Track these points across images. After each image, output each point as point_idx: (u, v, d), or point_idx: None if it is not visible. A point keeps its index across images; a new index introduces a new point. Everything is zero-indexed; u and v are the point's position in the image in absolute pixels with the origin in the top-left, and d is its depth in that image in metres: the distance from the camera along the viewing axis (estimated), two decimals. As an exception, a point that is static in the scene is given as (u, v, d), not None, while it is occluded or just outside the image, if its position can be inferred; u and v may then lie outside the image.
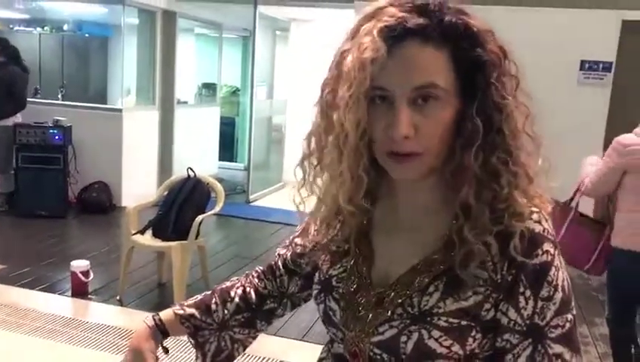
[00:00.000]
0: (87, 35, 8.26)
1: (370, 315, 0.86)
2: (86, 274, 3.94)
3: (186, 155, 6.95)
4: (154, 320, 1.05)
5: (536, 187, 0.83)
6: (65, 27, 8.23)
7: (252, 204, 7.05)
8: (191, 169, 4.04)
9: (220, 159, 8.68)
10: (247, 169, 7.45)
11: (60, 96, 7.34)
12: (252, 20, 6.88)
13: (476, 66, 0.80)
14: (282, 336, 3.46)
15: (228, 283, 1.12)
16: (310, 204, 0.93)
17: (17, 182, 5.82)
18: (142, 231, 3.88)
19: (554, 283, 0.80)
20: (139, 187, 6.14)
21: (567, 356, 0.80)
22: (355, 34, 0.81)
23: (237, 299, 1.08)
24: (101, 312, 3.74)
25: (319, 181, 0.89)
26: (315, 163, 0.89)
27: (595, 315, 3.92)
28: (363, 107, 0.79)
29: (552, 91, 5.23)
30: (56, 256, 4.66)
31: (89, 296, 3.93)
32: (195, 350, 1.08)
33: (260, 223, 6.08)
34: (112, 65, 7.87)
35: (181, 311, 1.06)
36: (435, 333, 0.81)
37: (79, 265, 3.94)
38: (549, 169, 0.84)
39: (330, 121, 0.83)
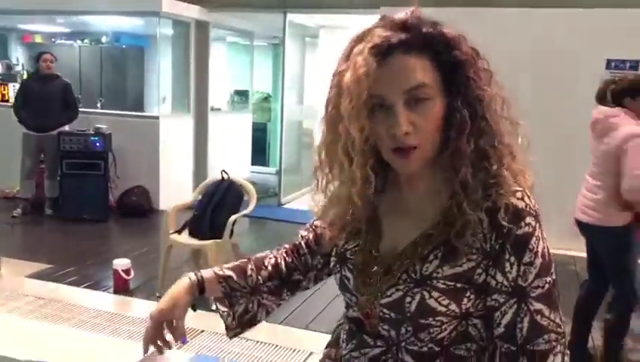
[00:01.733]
0: (124, 46, 8.61)
1: (380, 281, 1.01)
2: (127, 272, 4.16)
3: (220, 160, 7.16)
4: (196, 276, 1.16)
5: (518, 163, 0.98)
6: (103, 39, 8.60)
7: (283, 206, 7.23)
8: (225, 171, 4.21)
9: (253, 163, 8.90)
10: (278, 173, 7.64)
11: (99, 105, 7.66)
12: (282, 28, 7.08)
13: (455, 66, 0.94)
14: (314, 330, 3.62)
15: (262, 254, 1.26)
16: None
17: (62, 188, 6.12)
18: (179, 231, 4.08)
19: (534, 250, 0.93)
20: (175, 191, 6.35)
21: (546, 312, 0.93)
22: (348, 55, 0.97)
23: (270, 268, 1.22)
24: (141, 307, 3.94)
25: (331, 187, 1.05)
26: (327, 170, 1.03)
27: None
28: (364, 115, 0.94)
29: (576, 90, 5.24)
30: (99, 256, 4.91)
31: (130, 293, 4.16)
32: (222, 311, 1.19)
33: (291, 224, 6.22)
34: (148, 75, 8.15)
35: (220, 272, 1.19)
36: (435, 294, 0.95)
37: (121, 263, 4.16)
38: (528, 145, 0.99)
39: (336, 132, 0.98)
